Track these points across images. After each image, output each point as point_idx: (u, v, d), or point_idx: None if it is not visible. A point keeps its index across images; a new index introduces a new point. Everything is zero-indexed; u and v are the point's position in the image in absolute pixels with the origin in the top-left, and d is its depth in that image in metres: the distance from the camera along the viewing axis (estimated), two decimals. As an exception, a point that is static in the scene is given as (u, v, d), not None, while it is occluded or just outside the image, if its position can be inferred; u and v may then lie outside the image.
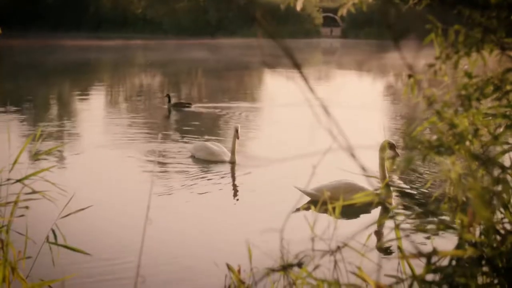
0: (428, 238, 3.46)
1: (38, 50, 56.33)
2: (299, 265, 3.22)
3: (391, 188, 8.55)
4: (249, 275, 3.91)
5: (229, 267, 4.01)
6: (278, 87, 29.13)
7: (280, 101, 24.10)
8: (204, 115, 22.18)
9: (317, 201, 4.37)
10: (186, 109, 22.97)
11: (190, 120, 20.79)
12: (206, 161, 13.85)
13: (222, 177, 12.68)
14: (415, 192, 9.74)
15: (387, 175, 8.68)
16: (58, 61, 47.80)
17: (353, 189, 8.75)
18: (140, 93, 30.40)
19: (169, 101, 23.03)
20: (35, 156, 5.14)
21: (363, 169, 2.67)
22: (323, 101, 2.93)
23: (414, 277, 3.30)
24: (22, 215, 4.75)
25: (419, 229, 3.44)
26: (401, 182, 9.99)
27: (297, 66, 2.62)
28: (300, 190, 9.88)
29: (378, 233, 5.84)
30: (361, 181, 8.04)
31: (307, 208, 9.25)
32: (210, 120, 21.23)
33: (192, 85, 35.21)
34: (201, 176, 12.83)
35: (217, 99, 26.90)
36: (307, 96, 2.69)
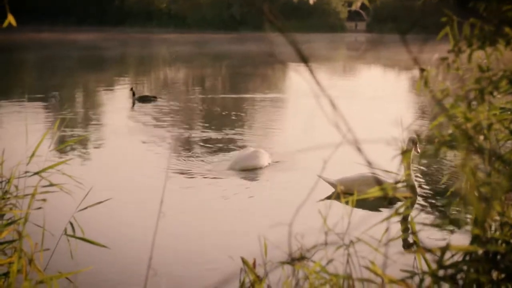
0: (442, 233, 3.43)
1: (65, 43, 56.61)
2: (310, 259, 3.21)
3: (411, 183, 8.46)
4: (262, 268, 3.90)
5: (243, 261, 3.99)
6: (293, 80, 29.09)
7: (295, 93, 24.16)
8: (220, 107, 22.22)
9: (342, 192, 4.37)
10: (152, 102, 23.41)
11: (218, 111, 20.90)
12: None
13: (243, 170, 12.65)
14: (432, 187, 9.68)
15: (410, 171, 8.56)
16: (83, 55, 48.04)
17: (374, 182, 8.67)
18: (164, 87, 30.43)
19: (134, 94, 23.60)
20: (54, 149, 5.13)
21: (371, 163, 2.64)
22: (337, 94, 2.91)
23: (426, 271, 3.29)
24: (40, 208, 4.76)
25: (433, 224, 3.43)
26: (419, 177, 9.93)
27: (304, 60, 2.60)
28: (324, 180, 9.85)
29: (396, 227, 5.81)
30: (385, 175, 7.93)
31: (329, 198, 9.30)
32: (232, 110, 21.24)
33: (214, 77, 35.22)
34: (220, 169, 12.82)
35: (237, 91, 26.98)
36: (319, 89, 2.68)
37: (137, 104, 22.70)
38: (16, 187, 4.77)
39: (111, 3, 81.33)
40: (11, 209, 4.68)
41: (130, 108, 22.24)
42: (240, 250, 3.86)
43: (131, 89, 23.61)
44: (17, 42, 49.27)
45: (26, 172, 4.82)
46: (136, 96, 23.34)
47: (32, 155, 4.88)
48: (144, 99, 23.21)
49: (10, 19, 3.88)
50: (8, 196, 4.71)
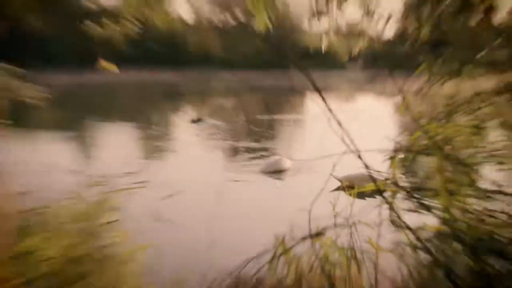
0: (419, 216, 3.41)
1: (152, 81, 57.41)
2: (324, 235, 3.21)
3: (396, 180, 8.40)
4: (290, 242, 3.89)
5: (276, 237, 3.99)
6: (309, 105, 29.16)
7: (310, 115, 24.15)
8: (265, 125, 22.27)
9: (346, 186, 4.37)
10: (204, 122, 23.47)
11: (255, 128, 20.97)
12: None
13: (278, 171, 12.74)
14: (411, 184, 9.57)
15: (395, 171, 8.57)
16: (162, 90, 48.54)
17: (370, 179, 8.67)
18: (216, 111, 30.54)
19: (192, 117, 23.88)
20: (143, 155, 5.18)
21: (367, 165, 2.64)
22: (341, 116, 2.92)
23: (408, 243, 3.28)
24: (133, 198, 4.80)
25: (412, 210, 3.41)
26: (401, 176, 9.81)
27: (317, 90, 2.61)
28: (334, 177, 10.22)
29: (385, 211, 5.76)
30: (378, 174, 7.93)
31: (337, 190, 9.31)
32: (265, 127, 21.29)
33: (253, 103, 35.26)
34: (257, 170, 12.92)
35: (269, 113, 27.05)
36: (328, 112, 2.68)
37: (197, 123, 22.87)
38: (117, 184, 4.83)
39: (183, 52, 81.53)
40: (114, 199, 4.73)
41: (190, 126, 22.41)
42: (272, 228, 3.84)
43: (190, 114, 23.85)
44: (122, 81, 49.98)
45: (124, 173, 4.88)
46: (193, 118, 23.57)
47: (128, 160, 4.94)
48: (198, 120, 23.39)
49: (113, 67, 3.94)
50: (113, 190, 4.77)
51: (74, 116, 26.94)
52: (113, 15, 4.05)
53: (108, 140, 18.47)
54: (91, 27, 4.03)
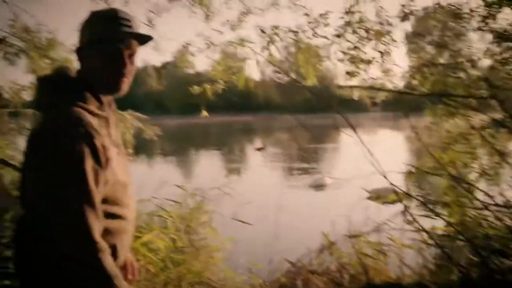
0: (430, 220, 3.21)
1: (231, 122, 58.30)
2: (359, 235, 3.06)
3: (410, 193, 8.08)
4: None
5: (324, 234, 3.84)
6: (344, 137, 28.53)
7: (346, 144, 23.64)
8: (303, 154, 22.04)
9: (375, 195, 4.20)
10: (264, 150, 23.10)
11: (305, 154, 20.80)
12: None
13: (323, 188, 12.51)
14: (424, 196, 9.21)
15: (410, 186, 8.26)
16: (236, 128, 49.11)
17: (392, 191, 8.37)
18: (274, 141, 30.51)
19: (256, 146, 23.61)
20: (224, 174, 5.12)
21: (391, 181, 2.49)
22: (369, 144, 2.79)
23: (422, 240, 3.10)
24: (219, 205, 4.74)
25: (425, 215, 3.24)
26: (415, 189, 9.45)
27: (352, 126, 2.48)
28: (365, 190, 9.79)
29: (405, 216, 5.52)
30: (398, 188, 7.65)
31: (369, 199, 9.05)
32: (312, 153, 21.06)
33: (302, 137, 35.02)
34: (305, 185, 12.73)
35: (315, 143, 26.79)
36: (359, 142, 2.55)
37: (260, 151, 22.90)
38: (208, 195, 4.80)
39: (253, 101, 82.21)
40: (206, 206, 4.70)
41: (255, 153, 22.46)
42: (319, 228, 3.71)
43: (257, 144, 24.02)
44: (212, 122, 51.26)
45: (211, 187, 4.85)
46: (258, 147, 23.65)
47: (215, 177, 4.91)
48: (261, 149, 23.40)
49: (205, 113, 3.97)
50: (205, 199, 4.74)
51: (179, 146, 27.60)
52: (206, 78, 4.12)
53: (203, 162, 18.76)
54: (193, 86, 4.10)
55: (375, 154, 2.55)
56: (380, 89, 3.86)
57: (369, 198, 9.52)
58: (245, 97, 79.30)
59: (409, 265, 3.12)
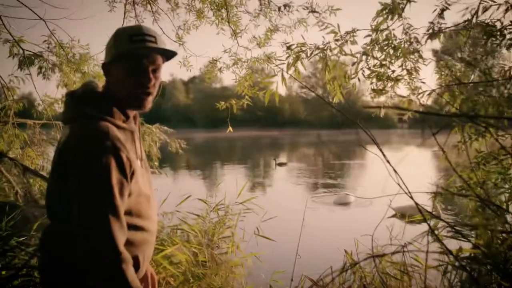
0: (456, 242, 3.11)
1: (257, 137, 58.46)
2: (383, 253, 2.97)
3: (437, 213, 7.89)
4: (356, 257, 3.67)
5: (346, 252, 3.78)
6: (369, 154, 28.02)
7: (370, 161, 23.27)
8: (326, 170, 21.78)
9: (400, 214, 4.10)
10: (285, 166, 22.77)
11: (328, 171, 20.58)
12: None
13: (346, 205, 12.33)
14: (451, 217, 9.01)
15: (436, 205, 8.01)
16: (266, 142, 49.11)
17: (417, 210, 8.13)
18: (297, 157, 30.29)
19: (276, 162, 23.15)
20: (248, 189, 5.12)
21: (415, 201, 2.42)
22: (395, 161, 2.75)
23: (448, 262, 3.01)
24: (242, 220, 4.75)
25: (451, 236, 3.14)
26: (443, 211, 9.26)
27: (377, 144, 2.45)
28: (391, 208, 9.56)
29: (431, 236, 5.36)
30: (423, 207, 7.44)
31: (393, 217, 8.87)
32: (336, 170, 20.82)
33: (326, 153, 34.73)
34: (330, 202, 12.57)
35: (339, 159, 26.47)
36: (384, 159, 2.50)
37: (281, 166, 22.75)
38: (231, 209, 4.81)
39: (280, 116, 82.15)
40: (229, 220, 4.71)
41: (280, 168, 22.32)
42: (340, 244, 3.65)
43: (274, 159, 23.81)
44: (239, 137, 51.48)
45: (235, 202, 4.85)
46: (280, 162, 23.47)
47: (239, 193, 4.92)
48: (281, 164, 23.21)
49: (230, 128, 4.00)
50: (228, 214, 4.76)
51: (205, 160, 27.78)
52: (233, 92, 4.16)
53: (228, 176, 18.81)
54: (219, 102, 4.14)
55: (401, 172, 2.51)
56: (404, 108, 3.81)
57: (394, 216, 9.34)
58: (272, 112, 79.44)
59: (432, 287, 3.04)
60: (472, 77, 3.75)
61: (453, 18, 3.62)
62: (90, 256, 1.30)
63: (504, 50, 3.19)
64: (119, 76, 1.50)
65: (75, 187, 1.33)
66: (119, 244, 1.33)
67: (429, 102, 3.98)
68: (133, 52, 1.48)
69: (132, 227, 1.45)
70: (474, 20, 3.10)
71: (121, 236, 1.35)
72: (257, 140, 52.89)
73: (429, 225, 2.23)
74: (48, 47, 5.29)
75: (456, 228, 3.06)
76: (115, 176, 1.35)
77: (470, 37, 3.50)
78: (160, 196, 4.95)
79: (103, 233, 1.31)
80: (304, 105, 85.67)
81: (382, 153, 2.77)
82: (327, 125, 76.05)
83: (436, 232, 2.99)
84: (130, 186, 1.41)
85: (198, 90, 78.59)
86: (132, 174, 1.42)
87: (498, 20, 3.05)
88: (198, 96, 78.12)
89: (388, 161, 2.54)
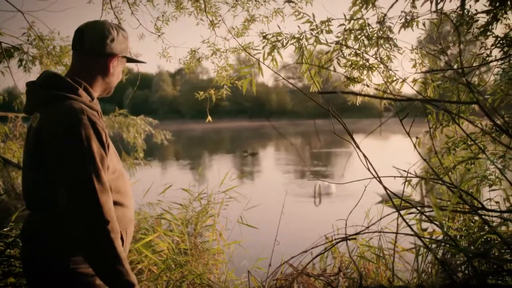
0: (430, 225, 3.19)
1: (243, 127, 58.24)
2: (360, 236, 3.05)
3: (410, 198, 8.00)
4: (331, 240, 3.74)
5: (326, 237, 3.83)
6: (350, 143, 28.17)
7: (352, 149, 23.31)
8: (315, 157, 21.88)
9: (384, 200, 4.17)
10: (257, 156, 22.75)
11: (310, 159, 20.68)
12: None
13: (330, 192, 12.42)
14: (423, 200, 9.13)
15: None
16: (251, 134, 49.01)
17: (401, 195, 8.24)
18: (275, 147, 30.36)
19: (246, 152, 23.09)
20: (231, 178, 5.16)
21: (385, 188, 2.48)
22: (373, 148, 2.79)
23: (421, 245, 3.09)
24: (224, 208, 4.78)
25: (423, 219, 3.23)
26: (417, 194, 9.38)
27: (348, 131, 2.49)
28: (377, 193, 9.70)
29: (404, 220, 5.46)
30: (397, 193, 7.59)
31: (379, 203, 9.01)
32: (316, 158, 20.94)
33: (309, 141, 34.86)
34: (311, 192, 12.65)
35: (320, 148, 26.61)
36: (356, 148, 2.55)
37: (251, 156, 22.78)
38: (214, 198, 4.83)
39: (266, 107, 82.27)
40: (211, 209, 4.74)
41: (250, 159, 22.32)
42: (321, 231, 3.71)
43: (244, 151, 23.81)
44: (224, 127, 51.18)
45: (218, 191, 4.88)
46: (249, 152, 23.50)
47: (221, 182, 4.94)
48: (253, 154, 23.24)
49: (209, 118, 4.00)
50: (210, 202, 4.78)
51: (192, 151, 27.72)
52: (213, 83, 4.15)
53: (212, 166, 18.81)
54: (201, 93, 4.15)
55: (381, 159, 2.55)
56: (375, 96, 3.86)
57: (380, 202, 9.47)
58: (259, 103, 79.51)
59: (407, 268, 3.12)
60: (442, 64, 3.82)
61: (427, 7, 3.65)
62: (80, 225, 1.32)
63: (474, 39, 3.25)
64: (100, 69, 1.59)
65: (58, 163, 1.34)
66: (109, 212, 1.35)
67: (409, 91, 4.03)
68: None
69: (113, 203, 1.47)
70: (441, 8, 3.14)
71: (109, 204, 1.37)
72: (243, 131, 52.89)
73: (397, 209, 2.28)
74: (28, 40, 5.22)
75: (426, 212, 3.14)
76: (95, 146, 1.38)
77: (441, 25, 3.55)
78: (144, 187, 4.96)
79: (92, 200, 1.33)
80: (291, 95, 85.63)
81: (353, 140, 2.81)
82: (313, 115, 75.61)
83: (411, 216, 3.06)
84: (107, 161, 1.43)
85: (185, 82, 78.03)
86: (108, 147, 1.46)
87: (467, 10, 3.09)
88: (185, 87, 77.57)
89: (358, 147, 2.59)
